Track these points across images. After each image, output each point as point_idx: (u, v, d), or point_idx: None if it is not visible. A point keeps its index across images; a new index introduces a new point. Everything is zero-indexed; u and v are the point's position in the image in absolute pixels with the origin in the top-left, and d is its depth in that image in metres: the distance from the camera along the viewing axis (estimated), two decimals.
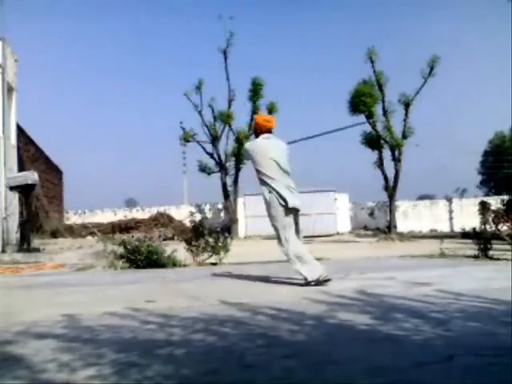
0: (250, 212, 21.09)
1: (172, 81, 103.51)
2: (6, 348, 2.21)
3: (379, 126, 18.69)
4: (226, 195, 21.43)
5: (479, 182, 43.61)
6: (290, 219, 4.37)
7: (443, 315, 2.77)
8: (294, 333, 2.41)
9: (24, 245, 10.94)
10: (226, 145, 21.46)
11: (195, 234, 6.93)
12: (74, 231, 20.05)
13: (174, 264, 6.54)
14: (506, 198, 9.35)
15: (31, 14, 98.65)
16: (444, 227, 23.13)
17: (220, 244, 6.81)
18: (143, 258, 6.41)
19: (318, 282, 4.12)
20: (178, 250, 6.73)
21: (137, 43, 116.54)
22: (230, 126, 21.18)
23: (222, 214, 24.36)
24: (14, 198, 11.69)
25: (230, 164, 21.43)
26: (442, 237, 10.44)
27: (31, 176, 11.34)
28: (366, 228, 23.75)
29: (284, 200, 4.33)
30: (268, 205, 4.44)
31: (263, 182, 4.45)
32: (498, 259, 6.68)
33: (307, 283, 4.13)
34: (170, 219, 22.84)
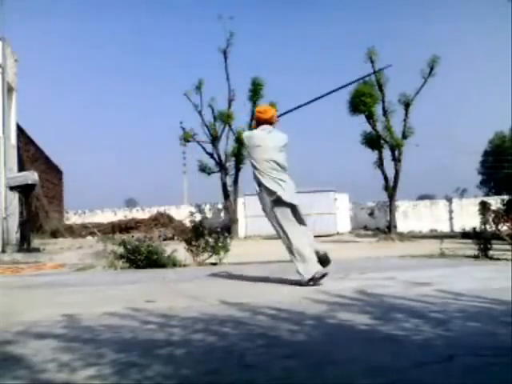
0: (249, 212, 21.09)
1: (172, 81, 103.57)
2: (6, 348, 2.21)
3: (379, 126, 18.73)
4: (226, 195, 21.45)
5: (479, 182, 43.68)
6: (285, 213, 4.29)
7: (443, 315, 2.77)
8: (294, 333, 2.41)
9: (24, 245, 10.94)
10: (226, 145, 21.52)
11: (195, 234, 6.93)
12: (73, 231, 20.06)
13: (174, 264, 6.55)
14: (506, 197, 9.35)
15: (31, 14, 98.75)
16: (444, 227, 23.14)
17: (220, 244, 6.81)
18: (143, 258, 6.41)
19: (315, 280, 4.12)
20: (177, 249, 6.74)
21: (137, 43, 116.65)
22: (229, 126, 21.20)
23: (222, 214, 24.37)
24: (14, 198, 11.69)
25: (230, 164, 21.47)
26: (441, 237, 10.44)
27: (31, 176, 11.34)
28: (365, 228, 23.76)
29: (272, 193, 4.26)
30: (260, 201, 4.41)
31: (255, 176, 4.42)
32: (498, 259, 6.68)
33: (306, 283, 4.13)
34: (170, 219, 22.85)
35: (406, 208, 24.15)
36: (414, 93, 18.48)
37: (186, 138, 21.32)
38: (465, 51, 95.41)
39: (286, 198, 4.29)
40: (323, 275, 4.17)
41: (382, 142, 18.69)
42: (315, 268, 4.17)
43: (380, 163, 18.86)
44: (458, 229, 16.29)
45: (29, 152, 17.06)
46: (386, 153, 18.78)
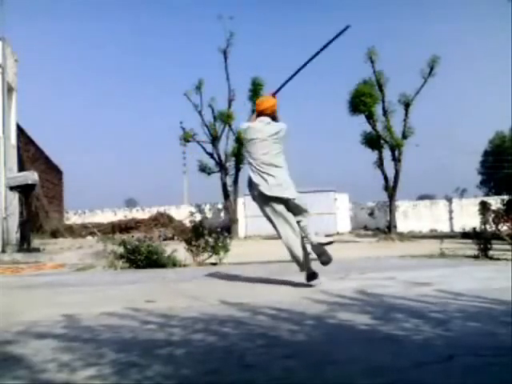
0: (250, 212, 21.07)
1: (172, 81, 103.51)
2: (6, 348, 2.21)
3: (379, 126, 18.74)
4: (226, 195, 21.44)
5: (479, 182, 43.67)
6: (276, 209, 4.16)
7: (443, 315, 2.77)
8: (294, 333, 2.41)
9: (24, 245, 10.94)
10: (226, 145, 21.51)
11: (195, 234, 6.93)
12: (74, 231, 20.06)
13: (174, 264, 6.54)
14: (506, 197, 9.37)
15: (31, 14, 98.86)
16: (444, 227, 23.13)
17: (220, 244, 6.81)
18: (143, 258, 6.41)
19: (307, 280, 4.12)
20: (177, 249, 6.74)
21: (137, 43, 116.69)
22: (229, 125, 21.19)
23: (222, 214, 24.37)
24: (14, 198, 11.70)
25: (230, 164, 21.46)
26: (441, 237, 10.44)
27: (31, 176, 11.34)
28: (366, 228, 23.76)
29: (256, 187, 4.17)
30: (253, 199, 4.34)
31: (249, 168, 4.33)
32: (498, 259, 6.67)
33: (308, 283, 4.13)
34: (170, 219, 22.85)
35: (406, 208, 24.15)
36: (414, 93, 18.52)
37: (186, 138, 21.32)
38: (465, 51, 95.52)
39: (267, 192, 4.11)
40: (312, 276, 4.12)
41: (382, 141, 18.69)
42: (305, 269, 4.16)
43: (380, 163, 18.86)
44: (458, 229, 16.30)
45: (29, 152, 17.06)
46: (386, 153, 18.82)
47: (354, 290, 3.79)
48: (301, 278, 4.24)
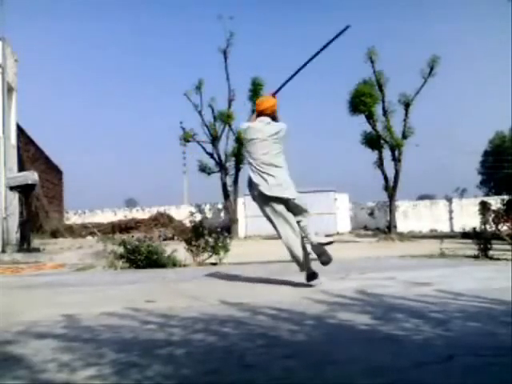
0: (250, 212, 21.07)
1: (172, 81, 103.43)
2: (6, 348, 2.21)
3: (379, 126, 18.75)
4: (226, 195, 21.45)
5: (479, 182, 43.67)
6: (276, 209, 4.15)
7: (443, 315, 2.77)
8: (294, 333, 2.41)
9: (24, 245, 10.94)
10: (226, 145, 21.51)
11: (195, 234, 6.93)
12: (74, 231, 20.07)
13: (174, 264, 6.55)
14: (506, 197, 9.37)
15: (31, 14, 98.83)
16: (444, 227, 23.14)
17: (220, 244, 6.81)
18: (143, 258, 6.41)
19: (307, 280, 4.12)
20: (177, 249, 6.74)
21: (137, 43, 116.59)
22: (229, 126, 21.20)
23: (222, 214, 24.37)
24: (14, 198, 11.70)
25: (230, 164, 21.47)
26: (441, 237, 10.44)
27: (31, 176, 11.34)
28: (366, 228, 23.76)
29: (256, 187, 4.16)
30: (253, 200, 4.34)
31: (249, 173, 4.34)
32: (498, 259, 6.68)
33: (308, 283, 4.13)
34: (170, 219, 22.86)
35: (406, 208, 24.16)
36: (414, 93, 18.53)
37: (186, 138, 21.33)
38: (465, 51, 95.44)
39: (267, 192, 4.10)
40: (312, 276, 4.12)
41: (381, 142, 18.70)
42: (305, 269, 4.16)
43: (380, 163, 18.87)
44: (458, 229, 16.29)
45: (29, 152, 17.07)
46: (386, 153, 18.83)
47: (354, 290, 3.79)
48: (301, 278, 4.24)
